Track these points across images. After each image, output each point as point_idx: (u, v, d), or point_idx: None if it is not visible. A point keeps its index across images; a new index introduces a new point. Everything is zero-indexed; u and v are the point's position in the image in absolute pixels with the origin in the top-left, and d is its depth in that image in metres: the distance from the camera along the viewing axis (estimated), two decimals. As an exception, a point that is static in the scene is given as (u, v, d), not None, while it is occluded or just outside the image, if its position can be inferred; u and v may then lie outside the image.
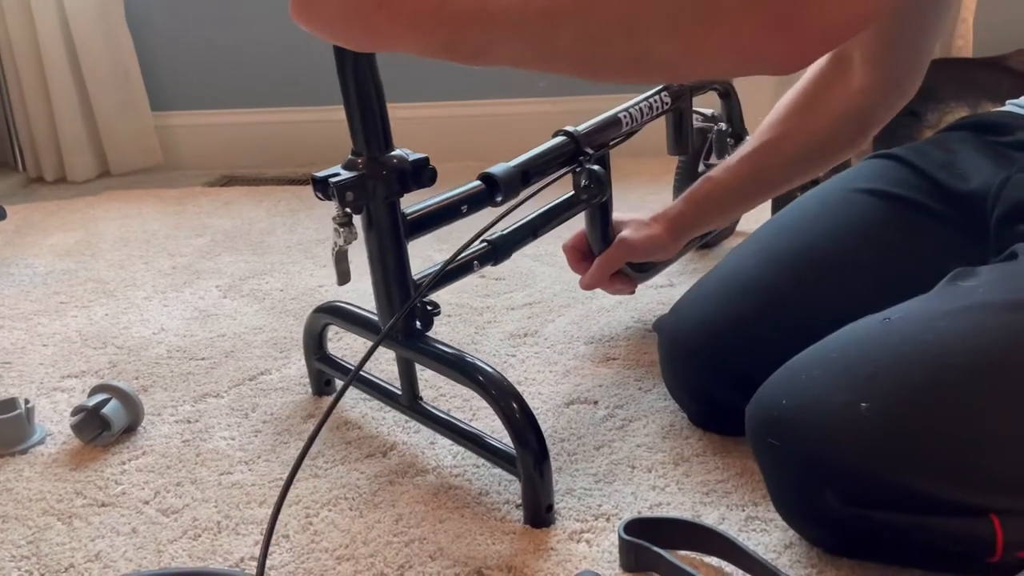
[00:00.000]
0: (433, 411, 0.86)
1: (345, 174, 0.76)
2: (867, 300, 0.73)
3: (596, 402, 0.96)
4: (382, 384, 0.92)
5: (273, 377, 1.07)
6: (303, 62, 2.14)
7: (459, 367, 0.79)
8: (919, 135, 1.65)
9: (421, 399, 0.87)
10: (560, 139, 0.94)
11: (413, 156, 0.79)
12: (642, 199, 1.69)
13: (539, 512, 0.75)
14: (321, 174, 0.76)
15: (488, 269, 1.27)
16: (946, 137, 0.92)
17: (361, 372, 0.95)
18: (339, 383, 1.01)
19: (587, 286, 1.01)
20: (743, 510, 0.76)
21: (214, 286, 1.40)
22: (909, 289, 0.72)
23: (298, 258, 1.52)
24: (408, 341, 0.83)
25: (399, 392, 0.88)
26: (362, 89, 0.75)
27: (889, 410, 0.62)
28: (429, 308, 0.83)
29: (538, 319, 1.20)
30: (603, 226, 1.01)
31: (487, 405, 0.82)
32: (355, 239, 0.79)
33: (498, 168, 0.87)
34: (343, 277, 0.82)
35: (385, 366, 1.06)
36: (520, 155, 0.90)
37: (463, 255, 0.87)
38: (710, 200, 0.98)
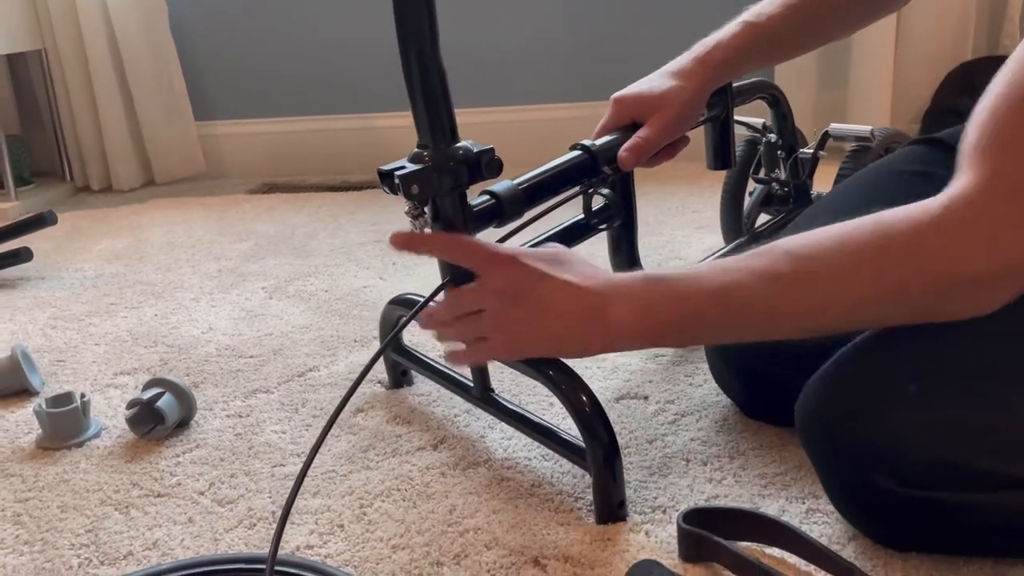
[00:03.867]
0: (505, 403, 0.86)
1: (411, 167, 0.76)
2: None
3: (646, 397, 0.95)
4: (455, 375, 0.92)
5: (321, 373, 1.08)
6: (343, 71, 2.16)
7: (529, 361, 0.78)
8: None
9: (493, 391, 0.87)
10: (575, 154, 0.86)
11: (478, 147, 0.78)
12: (681, 204, 1.68)
13: (611, 508, 0.74)
14: (387, 167, 0.76)
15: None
16: None
17: (434, 364, 0.96)
18: (415, 375, 1.01)
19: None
20: (803, 503, 0.74)
21: (260, 288, 1.41)
22: None
23: (341, 260, 1.53)
24: None
25: (471, 384, 0.88)
26: (427, 80, 0.75)
27: (938, 388, 0.61)
28: None
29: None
30: (628, 250, 0.96)
31: (558, 404, 0.82)
32: (426, 228, 0.79)
33: (501, 186, 0.80)
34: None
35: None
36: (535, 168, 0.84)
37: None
38: (757, 48, 0.89)
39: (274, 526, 0.77)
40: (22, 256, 1.51)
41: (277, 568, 0.64)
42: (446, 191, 0.76)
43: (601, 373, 1.02)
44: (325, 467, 0.86)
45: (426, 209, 0.78)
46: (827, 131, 1.18)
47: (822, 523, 0.72)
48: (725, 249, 1.13)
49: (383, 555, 0.72)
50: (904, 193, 0.86)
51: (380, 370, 1.03)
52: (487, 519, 0.76)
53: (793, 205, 1.21)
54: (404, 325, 0.78)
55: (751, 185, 1.25)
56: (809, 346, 0.73)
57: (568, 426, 0.77)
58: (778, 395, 0.82)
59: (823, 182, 1.22)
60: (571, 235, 0.91)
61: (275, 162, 2.25)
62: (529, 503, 0.78)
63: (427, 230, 0.77)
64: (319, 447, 0.67)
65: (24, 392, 1.07)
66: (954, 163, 0.86)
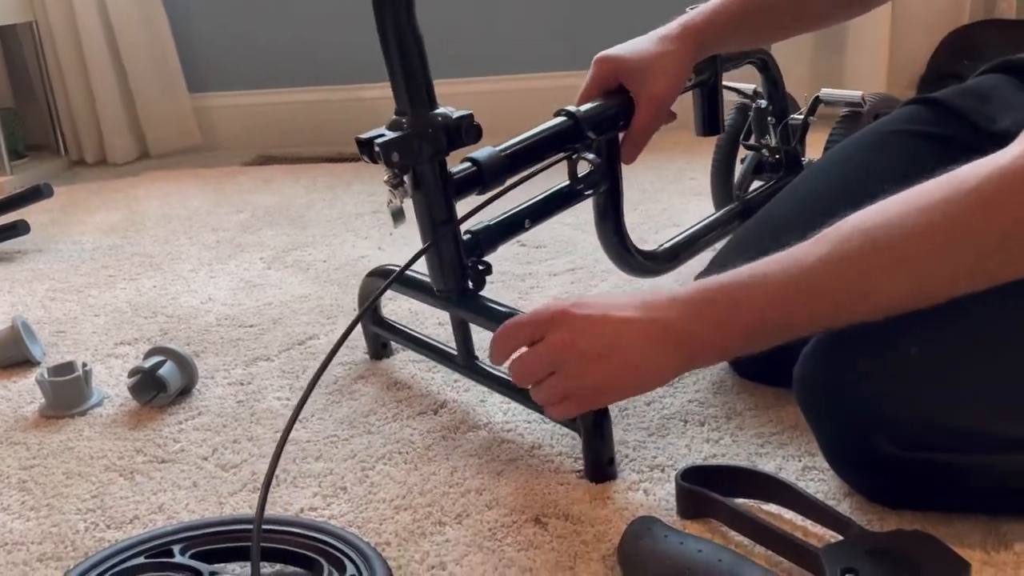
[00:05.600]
0: (490, 369, 0.86)
1: (390, 134, 0.76)
2: None
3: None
4: (437, 345, 0.93)
5: (321, 342, 1.09)
6: (338, 42, 2.15)
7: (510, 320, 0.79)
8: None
9: (477, 358, 0.88)
10: (559, 120, 0.86)
11: (457, 113, 0.78)
12: (678, 171, 1.68)
13: (600, 466, 0.75)
14: (366, 136, 0.76)
15: (527, 237, 1.28)
16: (981, 81, 0.91)
17: (416, 334, 0.96)
18: (395, 346, 1.02)
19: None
20: (799, 460, 0.76)
21: (258, 258, 1.42)
22: None
23: (339, 231, 1.53)
24: (462, 302, 0.84)
25: (455, 352, 0.89)
26: (403, 46, 0.75)
27: (939, 351, 0.62)
28: (480, 268, 0.83)
29: (581, 284, 1.20)
30: (614, 219, 0.95)
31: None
32: (406, 196, 0.79)
33: (483, 153, 0.80)
34: (398, 221, 0.81)
35: (438, 328, 1.07)
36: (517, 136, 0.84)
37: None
38: (748, 20, 0.89)
39: (276, 490, 0.78)
40: (19, 229, 1.51)
41: (275, 528, 0.65)
42: (426, 158, 0.77)
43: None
44: (327, 432, 0.87)
45: (406, 178, 0.78)
46: (818, 96, 1.17)
47: (818, 480, 0.73)
48: (716, 216, 1.13)
49: (386, 515, 0.73)
50: (903, 151, 0.86)
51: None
52: (488, 480, 0.77)
53: (784, 172, 1.21)
54: (379, 296, 0.79)
55: (743, 152, 1.25)
56: None
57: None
58: (772, 355, 0.83)
59: (814, 148, 1.22)
60: (556, 202, 0.90)
61: (270, 134, 2.24)
62: (529, 464, 0.79)
63: (407, 199, 0.77)
64: (302, 406, 0.68)
65: (25, 363, 1.07)
66: (951, 122, 0.86)
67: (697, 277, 0.96)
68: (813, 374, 0.67)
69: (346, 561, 0.62)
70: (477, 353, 0.88)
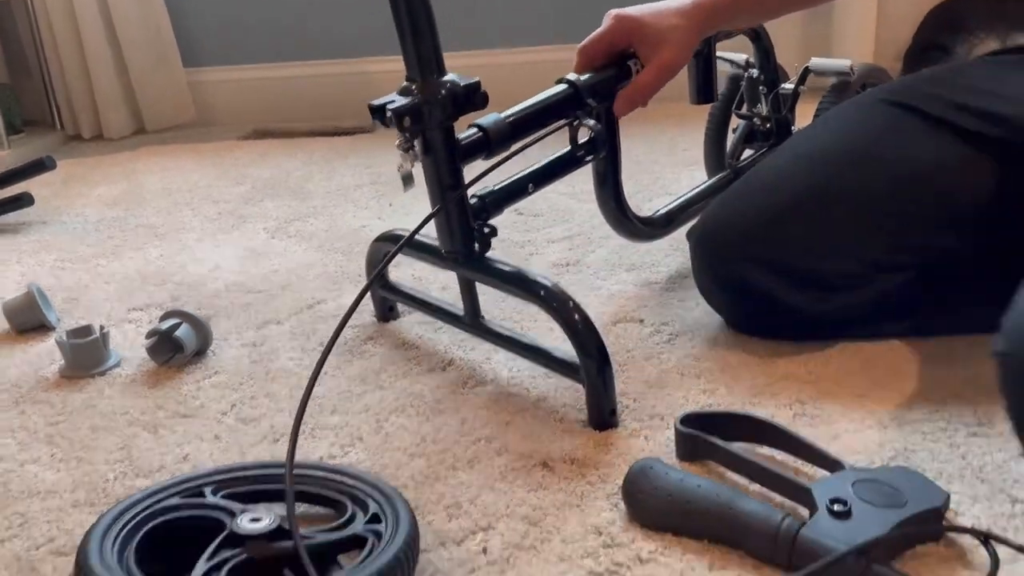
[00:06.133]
0: (495, 327, 0.90)
1: (401, 100, 0.79)
2: (884, 192, 0.85)
3: (642, 320, 1.00)
4: (443, 306, 0.97)
5: (329, 306, 1.12)
6: (333, 15, 2.16)
7: (520, 282, 0.83)
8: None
9: (483, 317, 0.91)
10: (560, 87, 0.89)
11: (464, 80, 0.81)
12: (671, 142, 1.72)
13: (603, 416, 0.79)
14: (378, 101, 0.80)
15: (525, 205, 1.31)
16: (990, 61, 0.95)
17: (423, 297, 1.00)
18: (401, 308, 1.06)
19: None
20: (790, 408, 0.80)
21: (261, 228, 1.45)
22: (922, 187, 0.85)
23: (338, 202, 1.56)
24: (469, 262, 0.87)
25: (461, 313, 0.93)
26: (414, 15, 0.78)
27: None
28: (486, 231, 0.87)
29: (579, 250, 1.24)
30: (613, 184, 0.98)
31: (539, 325, 0.87)
32: (416, 160, 0.82)
33: (488, 119, 0.83)
34: (408, 185, 0.84)
35: (441, 292, 1.11)
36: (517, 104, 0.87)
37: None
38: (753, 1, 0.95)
39: (298, 439, 0.82)
40: (24, 201, 1.53)
41: (300, 472, 0.69)
42: (436, 124, 0.80)
43: (597, 301, 1.07)
44: (340, 388, 0.91)
45: (416, 142, 0.81)
46: (808, 66, 1.21)
47: (808, 425, 0.77)
48: (709, 183, 1.17)
49: (401, 462, 0.77)
50: (883, 117, 0.90)
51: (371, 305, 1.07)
52: (497, 429, 0.81)
53: (775, 140, 1.25)
54: (390, 259, 0.82)
55: (735, 122, 1.29)
56: (790, 262, 0.84)
57: (559, 346, 0.82)
58: (761, 307, 0.89)
59: (804, 117, 1.25)
60: (558, 167, 0.93)
61: (265, 108, 2.26)
62: (535, 415, 0.83)
63: (417, 163, 0.81)
64: (326, 357, 0.71)
65: (41, 327, 1.10)
66: (941, 98, 0.89)
67: (688, 233, 1.00)
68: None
69: (369, 501, 0.66)
70: (483, 313, 0.92)
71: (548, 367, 0.86)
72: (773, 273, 0.88)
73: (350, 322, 1.06)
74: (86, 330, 1.00)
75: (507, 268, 0.85)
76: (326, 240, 1.37)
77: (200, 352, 1.00)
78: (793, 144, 0.98)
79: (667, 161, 1.60)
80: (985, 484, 0.67)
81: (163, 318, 1.00)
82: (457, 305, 0.94)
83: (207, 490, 0.67)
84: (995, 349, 0.64)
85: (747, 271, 0.89)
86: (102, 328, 1.00)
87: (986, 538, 0.59)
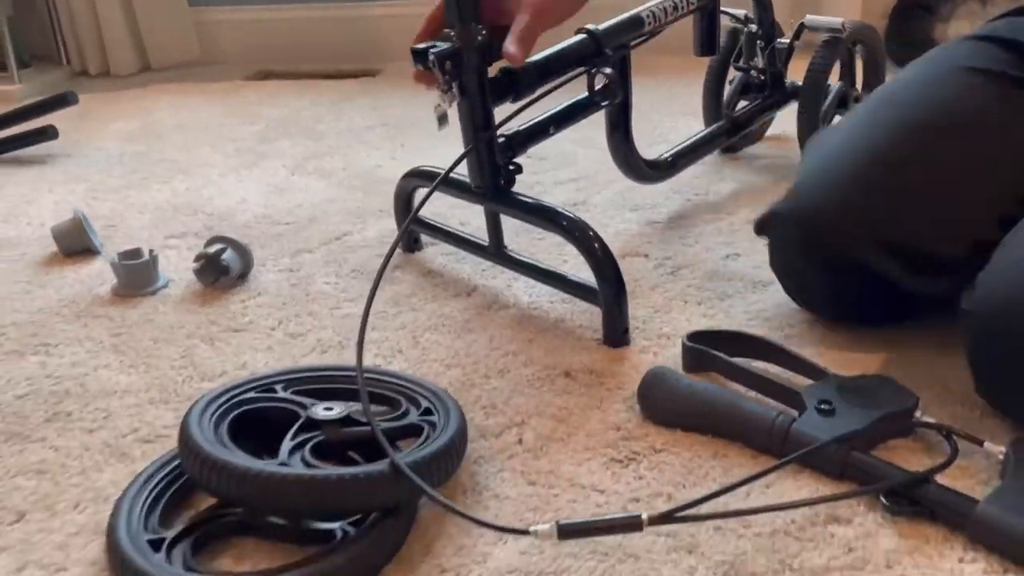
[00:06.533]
0: (518, 256, 1.00)
1: (442, 45, 0.87)
2: (988, 165, 0.82)
3: (646, 255, 1.10)
4: (469, 238, 1.06)
5: (355, 238, 1.21)
6: (337, -42, 2.20)
7: (544, 214, 0.93)
8: (933, 30, 1.76)
9: (506, 247, 1.01)
10: (580, 37, 0.97)
11: None
12: (670, 93, 1.80)
13: (617, 334, 0.90)
14: (421, 46, 0.87)
15: (532, 150, 1.39)
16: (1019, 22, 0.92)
17: (449, 229, 1.09)
18: (425, 239, 1.14)
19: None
20: (782, 331, 0.91)
21: (280, 165, 1.52)
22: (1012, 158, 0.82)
23: (351, 142, 1.63)
24: (497, 196, 0.96)
25: (486, 243, 1.02)
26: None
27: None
28: (512, 168, 0.96)
29: (585, 191, 1.33)
30: (624, 130, 1.07)
31: (552, 256, 0.96)
32: (455, 101, 0.90)
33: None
34: (443, 124, 0.92)
35: (460, 226, 1.19)
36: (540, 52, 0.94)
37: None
38: None
39: (341, 353, 0.92)
40: (49, 134, 1.59)
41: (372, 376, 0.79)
42: (472, 68, 0.88)
43: (605, 237, 1.14)
44: (376, 310, 1.00)
45: (453, 85, 0.89)
46: (803, 22, 1.30)
47: (798, 344, 0.88)
48: (707, 131, 1.26)
49: (439, 371, 0.87)
50: (965, 86, 0.86)
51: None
52: (522, 345, 0.91)
53: (768, 92, 1.34)
54: (430, 193, 0.90)
55: (731, 74, 1.38)
56: (911, 243, 0.81)
57: (576, 272, 0.91)
58: (878, 293, 0.86)
59: (797, 71, 1.34)
60: (576, 111, 1.01)
61: (269, 50, 2.30)
62: (555, 334, 0.93)
63: (455, 103, 0.89)
64: (382, 274, 0.80)
65: (87, 251, 1.18)
66: (1013, 61, 0.84)
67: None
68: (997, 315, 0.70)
69: (420, 398, 0.76)
70: (506, 243, 1.02)
71: (566, 291, 0.96)
72: (892, 254, 0.82)
73: (374, 252, 1.15)
74: (136, 253, 1.08)
75: (532, 201, 0.94)
76: (344, 178, 1.45)
77: (243, 275, 1.09)
78: (880, 116, 0.90)
79: (666, 110, 1.68)
80: (950, 392, 0.78)
81: (208, 243, 1.08)
82: (481, 237, 1.03)
83: (278, 387, 0.76)
84: (961, 307, 0.73)
85: (868, 254, 0.83)
86: (151, 252, 1.08)
87: (948, 433, 0.70)
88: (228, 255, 1.06)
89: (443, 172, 0.92)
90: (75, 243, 1.17)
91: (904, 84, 0.93)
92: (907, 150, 0.84)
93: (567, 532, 0.61)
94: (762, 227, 0.91)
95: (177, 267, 1.13)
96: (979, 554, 0.61)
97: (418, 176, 1.09)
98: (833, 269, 0.86)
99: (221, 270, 1.05)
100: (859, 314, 0.90)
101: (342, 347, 0.93)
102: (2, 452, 0.78)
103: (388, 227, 1.23)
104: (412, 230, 1.14)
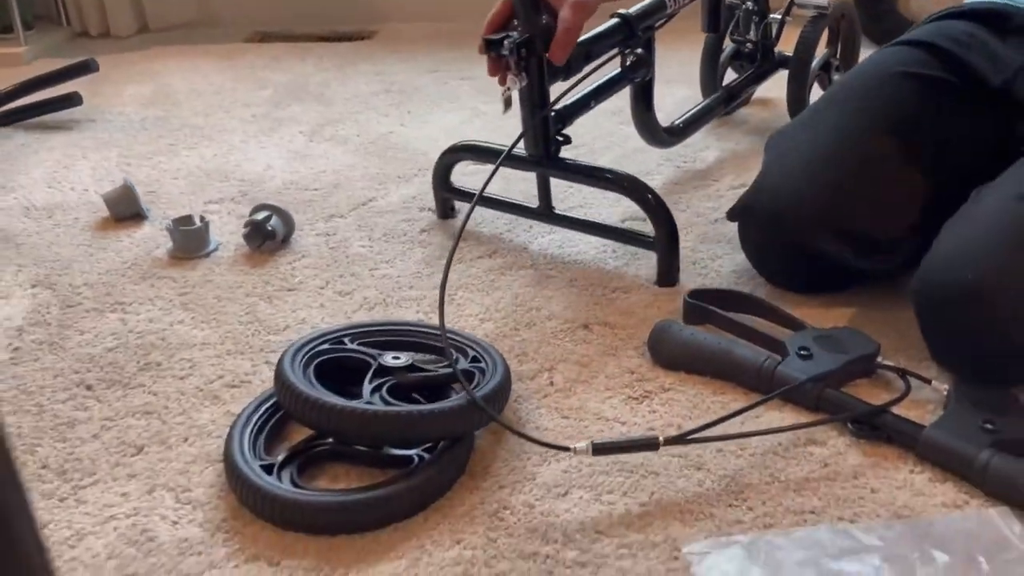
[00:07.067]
0: (568, 215, 1.16)
1: (514, 35, 1.00)
2: (922, 159, 0.97)
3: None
4: (517, 203, 1.19)
5: (380, 203, 1.33)
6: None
7: (596, 172, 1.10)
8: (896, 2, 1.90)
9: (554, 208, 1.15)
10: (615, 21, 1.12)
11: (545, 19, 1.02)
12: (681, 66, 1.91)
13: (671, 274, 1.07)
14: (496, 36, 0.99)
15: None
16: (950, 27, 1.05)
17: (496, 197, 1.21)
18: (459, 206, 1.27)
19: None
20: (765, 288, 1.06)
21: (298, 132, 1.63)
22: (949, 152, 0.98)
23: (360, 109, 1.74)
24: (546, 161, 1.10)
25: (534, 206, 1.16)
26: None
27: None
28: (560, 139, 1.09)
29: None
30: (646, 99, 1.21)
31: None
32: (523, 84, 1.02)
33: None
34: (507, 106, 1.05)
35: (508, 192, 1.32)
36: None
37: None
38: None
39: (386, 309, 1.05)
40: (74, 100, 1.67)
41: (410, 328, 0.93)
42: (536, 54, 1.01)
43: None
44: (411, 270, 1.14)
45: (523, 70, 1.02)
46: (793, 0, 1.44)
47: (780, 302, 1.03)
48: (708, 100, 1.40)
49: (475, 325, 1.01)
50: (900, 91, 1.00)
51: (431, 201, 1.29)
52: (543, 302, 1.05)
53: (759, 62, 1.48)
54: (496, 169, 0.99)
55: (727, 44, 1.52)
56: (857, 229, 0.97)
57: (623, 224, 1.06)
58: (831, 273, 1.02)
59: (787, 43, 1.47)
60: (611, 86, 1.15)
61: (264, 10, 2.37)
62: (573, 290, 1.07)
63: (522, 84, 1.01)
64: (457, 242, 0.94)
65: (136, 216, 1.29)
66: (936, 64, 1.01)
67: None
68: (946, 293, 0.83)
69: (468, 349, 0.90)
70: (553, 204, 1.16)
71: (621, 240, 1.13)
72: (842, 242, 0.97)
73: (401, 217, 1.28)
74: (188, 219, 1.20)
75: (583, 164, 1.12)
76: (360, 145, 1.56)
77: (285, 239, 1.21)
78: (830, 119, 1.03)
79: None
80: (905, 340, 0.94)
81: (254, 211, 1.20)
82: (526, 200, 1.18)
83: (346, 340, 0.90)
84: (911, 287, 0.88)
85: (823, 243, 0.97)
86: (202, 218, 1.20)
87: (902, 373, 0.86)
88: (274, 221, 1.18)
89: (489, 146, 1.05)
90: (126, 209, 1.28)
91: (846, 88, 1.07)
92: (848, 150, 0.99)
93: (600, 449, 0.76)
94: (733, 216, 1.08)
95: (221, 231, 1.25)
96: (925, 467, 0.77)
97: (461, 151, 1.22)
98: (793, 253, 1.01)
99: (267, 235, 1.17)
100: (818, 288, 1.04)
101: (386, 304, 1.06)
102: (108, 397, 0.91)
103: (409, 193, 1.36)
104: (447, 198, 1.26)
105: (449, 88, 1.82)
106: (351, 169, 1.46)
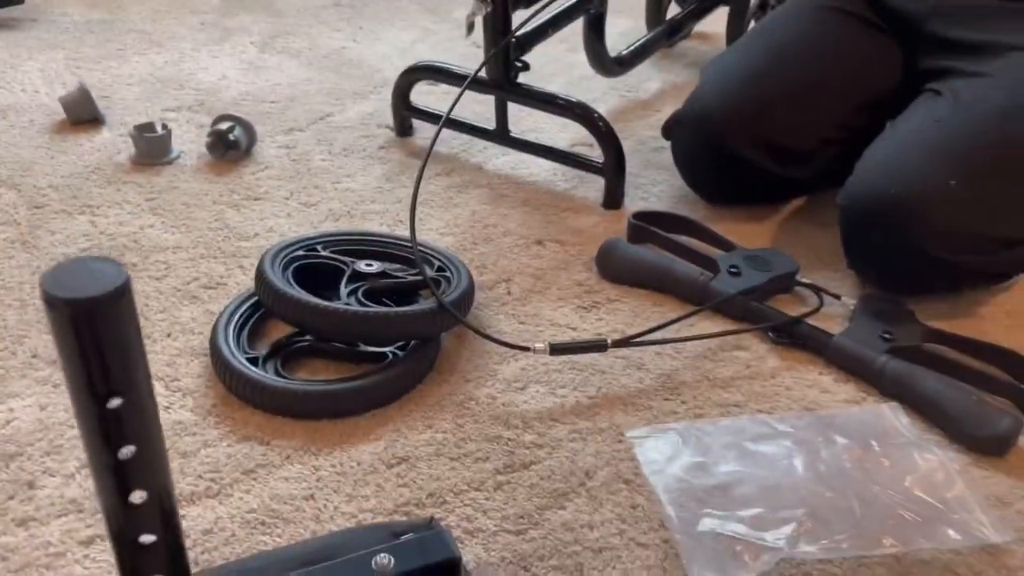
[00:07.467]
0: (522, 139, 1.22)
1: None
2: (833, 82, 1.10)
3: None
4: (473, 124, 1.25)
5: (337, 119, 1.37)
6: None
7: (550, 99, 1.16)
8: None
9: (511, 131, 1.22)
10: None
11: None
12: None
13: (616, 197, 1.16)
14: None
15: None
16: None
17: (455, 118, 1.27)
18: (416, 124, 1.32)
19: None
20: (700, 213, 1.16)
21: (248, 42, 1.63)
22: (853, 78, 1.10)
23: (311, 22, 1.75)
24: (506, 86, 1.16)
25: (491, 129, 1.22)
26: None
27: (970, 181, 0.91)
28: (519, 65, 1.15)
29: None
30: (599, 31, 1.28)
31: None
32: (488, 10, 1.07)
33: None
34: (470, 31, 1.11)
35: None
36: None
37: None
38: None
39: (351, 220, 1.11)
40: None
41: (378, 238, 1.00)
42: None
43: (553, 128, 1.37)
44: (372, 185, 1.19)
45: None
46: None
47: (713, 224, 1.13)
48: (653, 33, 1.48)
49: (436, 238, 1.09)
50: (826, 22, 1.13)
51: (388, 119, 1.33)
52: (499, 219, 1.13)
53: None
54: (461, 93, 1.06)
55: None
56: (775, 140, 1.08)
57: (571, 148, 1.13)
58: (749, 177, 1.12)
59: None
60: (568, 15, 1.22)
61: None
62: (527, 209, 1.15)
63: (487, 10, 1.06)
64: (424, 165, 1.00)
65: (94, 120, 1.30)
66: (858, 2, 1.14)
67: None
68: (873, 206, 0.93)
69: (434, 260, 0.97)
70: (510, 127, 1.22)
71: (570, 164, 1.20)
72: (761, 149, 1.08)
73: (358, 133, 1.33)
74: (150, 126, 1.22)
75: (539, 91, 1.17)
76: (313, 59, 1.58)
77: (247, 150, 1.24)
78: (758, 44, 1.17)
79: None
80: (820, 261, 1.06)
81: (217, 120, 1.23)
82: (480, 122, 1.24)
83: (319, 247, 0.96)
84: (838, 200, 0.99)
85: (743, 148, 1.08)
86: (164, 125, 1.22)
87: (816, 290, 0.98)
88: (237, 131, 1.21)
89: (450, 68, 1.11)
90: (84, 112, 1.29)
91: (775, 20, 1.22)
92: (772, 70, 1.11)
93: (556, 350, 0.86)
94: (667, 130, 1.19)
95: (181, 140, 1.28)
96: (833, 369, 0.90)
97: (422, 71, 1.27)
98: (720, 163, 1.12)
99: (230, 145, 1.21)
100: (743, 197, 1.16)
101: (351, 216, 1.12)
102: (88, 294, 0.96)
103: (366, 110, 1.40)
104: (406, 116, 1.31)
105: (399, 5, 1.84)
106: (307, 83, 1.48)
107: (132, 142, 1.21)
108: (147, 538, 0.41)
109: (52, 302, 0.34)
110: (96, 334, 0.34)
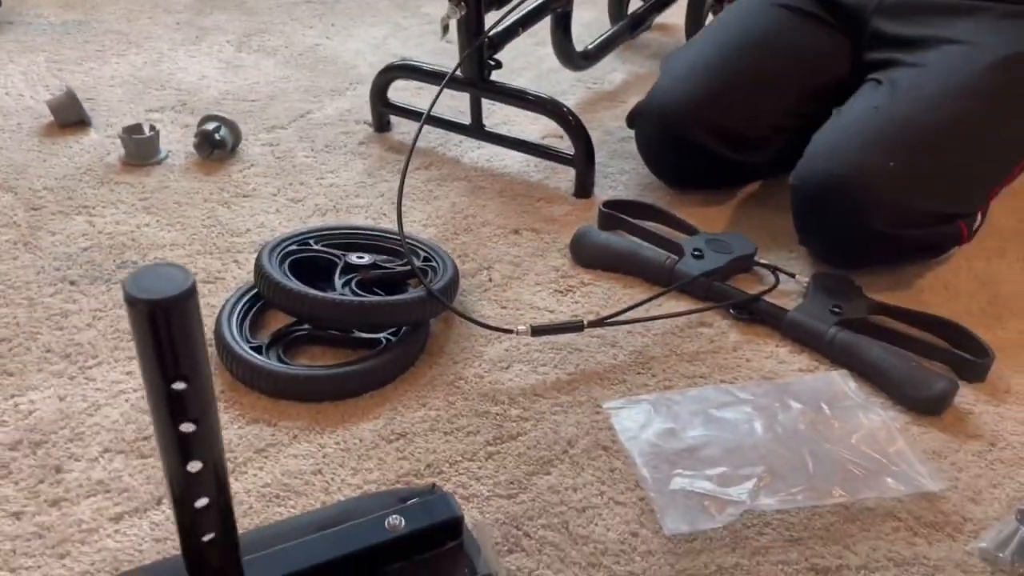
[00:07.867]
0: (496, 132, 1.29)
1: None
2: (785, 73, 1.19)
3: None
4: (449, 120, 1.32)
5: (317, 116, 1.43)
6: None
7: (522, 95, 1.23)
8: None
9: (485, 126, 1.28)
10: None
11: None
12: None
13: (586, 187, 1.23)
14: None
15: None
16: None
17: (433, 114, 1.33)
18: (394, 120, 1.38)
19: None
20: (665, 200, 1.24)
21: (225, 42, 1.67)
22: (804, 68, 1.19)
23: (284, 19, 1.79)
24: (480, 84, 1.23)
25: (466, 124, 1.28)
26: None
27: (906, 161, 1.00)
28: (492, 63, 1.21)
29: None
30: (565, 28, 1.35)
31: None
32: (463, 13, 1.14)
33: None
34: (445, 32, 1.17)
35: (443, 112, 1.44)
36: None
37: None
38: None
39: (338, 215, 1.18)
40: (-10, 1, 1.65)
41: (367, 232, 1.06)
42: None
43: (525, 121, 1.44)
44: (355, 180, 1.26)
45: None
46: None
47: (677, 210, 1.22)
48: (616, 28, 1.55)
49: (419, 230, 1.15)
50: (775, 19, 1.23)
51: (365, 114, 1.39)
52: (478, 209, 1.20)
53: None
54: (440, 92, 1.14)
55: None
56: (730, 127, 1.17)
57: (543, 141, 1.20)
58: (706, 163, 1.20)
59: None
60: (537, 14, 1.29)
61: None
62: (503, 199, 1.23)
63: (461, 13, 1.13)
64: (410, 157, 1.06)
65: (80, 123, 1.34)
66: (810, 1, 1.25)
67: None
68: (821, 186, 1.01)
69: (420, 251, 1.04)
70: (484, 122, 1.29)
71: (543, 157, 1.27)
72: (718, 136, 1.16)
73: (339, 130, 1.39)
74: (138, 128, 1.27)
75: (511, 87, 1.24)
76: (289, 57, 1.63)
77: (233, 149, 1.30)
78: (714, 38, 1.25)
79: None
80: (776, 242, 1.15)
81: (203, 121, 1.28)
82: (454, 117, 1.31)
83: (311, 241, 1.02)
84: (790, 181, 1.07)
85: (701, 136, 1.16)
86: (152, 126, 1.27)
87: (773, 269, 1.07)
88: (223, 131, 1.27)
89: (426, 67, 1.17)
90: (71, 115, 1.33)
91: (730, 14, 1.31)
92: (727, 63, 1.19)
93: (537, 331, 0.93)
94: (631, 121, 1.27)
95: (167, 140, 1.32)
96: (787, 342, 0.99)
97: (399, 69, 1.33)
98: (680, 151, 1.20)
99: (217, 144, 1.26)
100: (703, 183, 1.25)
101: (337, 211, 1.19)
102: (92, 291, 1.01)
103: (343, 107, 1.46)
104: (384, 112, 1.37)
105: (369, 1, 1.89)
106: (284, 81, 1.53)
107: (121, 143, 1.26)
108: (202, 501, 0.48)
109: (133, 302, 0.40)
110: (168, 328, 0.41)
